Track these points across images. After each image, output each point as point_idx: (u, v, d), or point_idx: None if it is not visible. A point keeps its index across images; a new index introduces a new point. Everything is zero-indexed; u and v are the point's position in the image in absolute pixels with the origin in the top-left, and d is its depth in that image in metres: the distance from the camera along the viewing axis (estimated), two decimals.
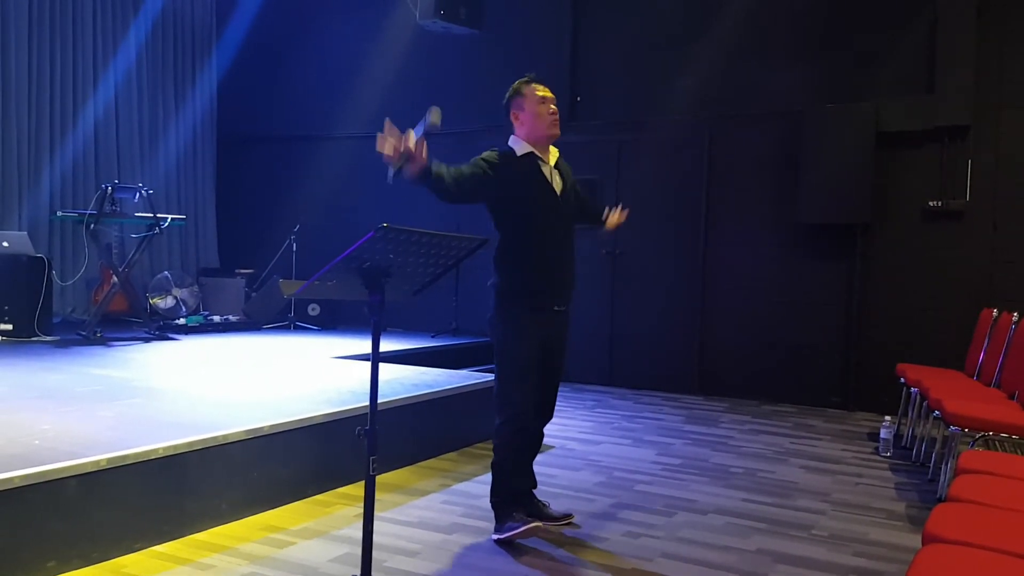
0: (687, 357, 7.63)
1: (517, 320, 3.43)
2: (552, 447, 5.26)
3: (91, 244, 7.47)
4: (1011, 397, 4.58)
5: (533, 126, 3.46)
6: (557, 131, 3.49)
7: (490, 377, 5.65)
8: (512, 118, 3.54)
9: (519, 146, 3.49)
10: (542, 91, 3.50)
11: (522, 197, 3.43)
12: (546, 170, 3.49)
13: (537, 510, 3.69)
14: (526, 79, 3.56)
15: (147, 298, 8.31)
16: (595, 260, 7.98)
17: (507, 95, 3.56)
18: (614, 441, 5.49)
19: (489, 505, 3.57)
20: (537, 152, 3.48)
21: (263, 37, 10.04)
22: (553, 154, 3.55)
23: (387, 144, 2.87)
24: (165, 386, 4.90)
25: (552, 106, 3.48)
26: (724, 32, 7.40)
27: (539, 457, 4.95)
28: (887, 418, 5.54)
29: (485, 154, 3.43)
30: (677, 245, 7.73)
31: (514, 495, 3.55)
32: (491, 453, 5.06)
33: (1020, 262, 6.44)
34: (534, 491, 3.74)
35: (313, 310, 8.90)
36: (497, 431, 3.51)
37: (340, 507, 3.87)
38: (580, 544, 3.49)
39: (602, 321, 7.94)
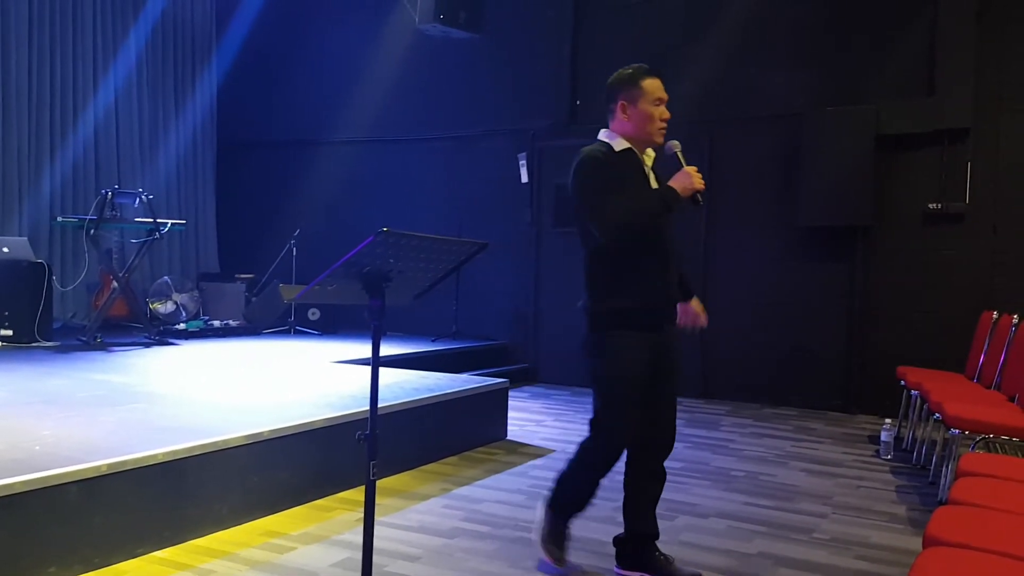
0: (688, 360, 7.59)
1: (621, 341, 3.02)
2: (553, 451, 5.26)
3: (91, 249, 7.47)
4: (1011, 399, 4.58)
5: (641, 127, 3.06)
6: (661, 140, 3.11)
7: (492, 381, 5.67)
8: (618, 108, 3.08)
9: (616, 141, 3.09)
10: (660, 91, 3.06)
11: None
12: (646, 170, 3.12)
13: (658, 564, 3.16)
14: (645, 69, 3.08)
15: (147, 303, 8.31)
16: None
17: (619, 80, 3.09)
18: None
19: (487, 509, 3.54)
20: (635, 150, 3.11)
21: (262, 42, 10.05)
22: (650, 156, 3.17)
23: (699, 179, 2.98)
24: (165, 391, 4.90)
25: (666, 111, 3.08)
26: (724, 35, 7.41)
27: (539, 461, 4.98)
28: (888, 421, 5.54)
29: (586, 158, 3.03)
30: (678, 247, 7.72)
31: (569, 516, 3.21)
32: (491, 456, 5.06)
33: (1020, 264, 6.44)
34: (656, 542, 3.23)
35: (313, 314, 8.90)
36: (588, 449, 3.13)
37: (341, 512, 3.87)
38: (582, 548, 3.48)
39: None
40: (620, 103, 3.08)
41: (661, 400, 3.12)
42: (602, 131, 3.16)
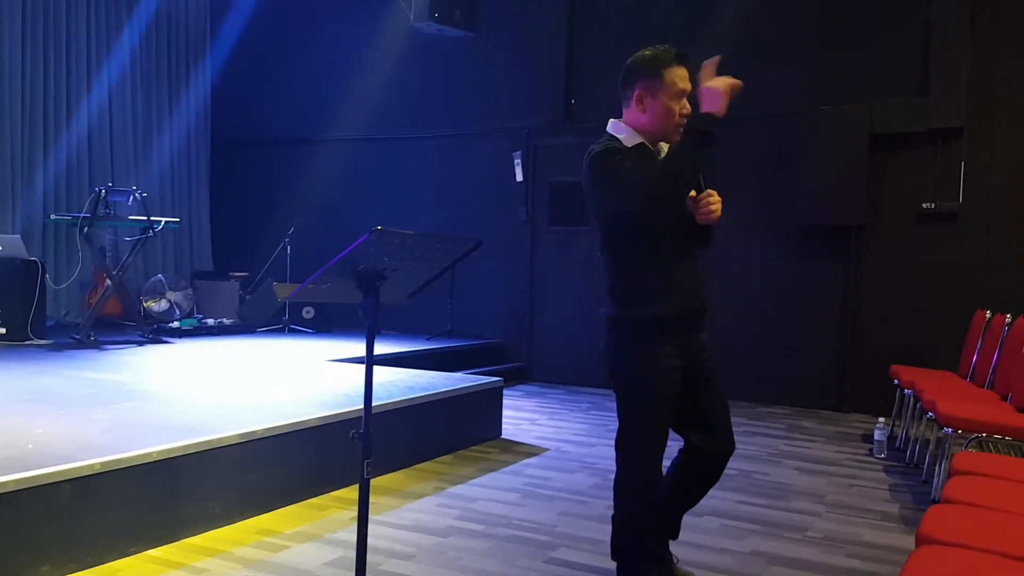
0: None
1: (649, 352, 2.75)
2: (547, 449, 5.26)
3: (85, 247, 7.45)
4: (1004, 398, 4.59)
5: (657, 122, 2.74)
6: (678, 138, 2.72)
7: (486, 379, 5.67)
8: (635, 98, 2.74)
9: (626, 134, 2.76)
10: (684, 81, 2.71)
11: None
12: None
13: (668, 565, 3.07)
14: (671, 55, 2.72)
15: (141, 301, 8.29)
16: (590, 262, 7.97)
17: (640, 64, 2.75)
18: (609, 443, 5.45)
19: (481, 507, 3.54)
20: (648, 145, 2.77)
21: (257, 39, 10.02)
22: (663, 150, 2.81)
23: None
24: (159, 389, 4.89)
25: (688, 106, 2.73)
26: (719, 34, 7.40)
27: (533, 459, 4.99)
28: (881, 419, 5.55)
29: (601, 151, 2.70)
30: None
31: (642, 557, 2.89)
32: (486, 455, 5.06)
33: (1013, 264, 6.46)
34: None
35: (307, 313, 8.89)
36: (622, 483, 2.89)
37: (335, 510, 3.86)
38: (575, 547, 3.49)
39: (597, 323, 7.92)
40: (638, 92, 2.73)
41: (711, 406, 2.90)
42: (612, 122, 2.82)
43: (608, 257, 2.83)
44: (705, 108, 2.59)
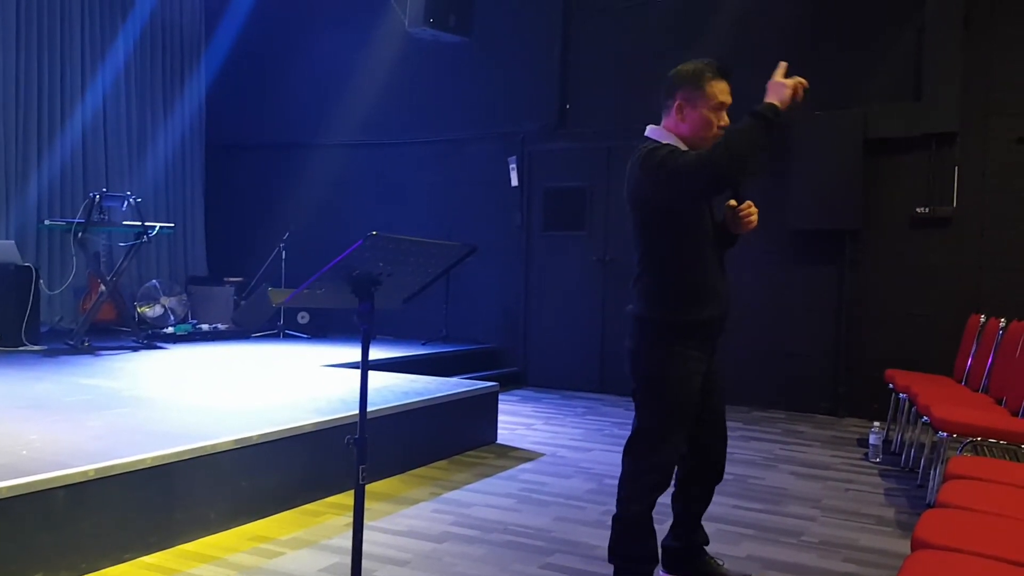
0: None
1: (678, 356, 2.84)
2: (542, 454, 5.26)
3: (79, 253, 7.43)
4: (999, 402, 4.60)
5: (697, 131, 2.83)
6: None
7: (482, 384, 5.66)
8: (675, 108, 2.84)
9: (669, 140, 2.84)
10: (724, 94, 2.83)
11: (692, 206, 2.83)
12: None
13: (709, 568, 3.15)
14: (713, 68, 2.83)
15: (135, 307, 8.27)
16: (585, 267, 7.99)
17: (681, 75, 2.84)
18: (605, 448, 5.49)
19: (477, 513, 3.54)
20: None
21: (252, 44, 10.02)
22: None
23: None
24: (153, 395, 4.87)
25: (726, 117, 2.84)
26: (713, 40, 7.41)
27: (529, 464, 4.98)
28: (876, 424, 5.56)
29: (653, 148, 2.77)
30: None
31: (641, 558, 2.91)
32: (481, 460, 5.05)
33: (1007, 268, 6.48)
34: (705, 547, 3.21)
35: (302, 318, 8.88)
36: (633, 478, 2.92)
37: (330, 516, 3.85)
38: (571, 552, 3.49)
39: (593, 328, 7.94)
40: (678, 102, 2.83)
41: (713, 406, 3.02)
42: (651, 128, 2.91)
43: (647, 257, 2.92)
44: (768, 99, 2.69)
